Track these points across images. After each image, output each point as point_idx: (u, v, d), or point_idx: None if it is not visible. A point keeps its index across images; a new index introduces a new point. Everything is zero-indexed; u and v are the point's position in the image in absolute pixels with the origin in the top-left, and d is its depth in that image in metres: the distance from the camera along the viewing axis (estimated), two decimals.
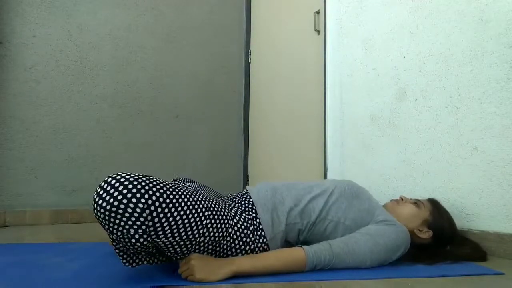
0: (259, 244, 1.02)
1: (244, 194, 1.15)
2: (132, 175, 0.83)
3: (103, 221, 0.79)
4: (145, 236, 0.81)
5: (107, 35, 2.33)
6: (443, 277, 0.98)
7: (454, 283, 0.93)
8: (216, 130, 2.73)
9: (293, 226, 1.07)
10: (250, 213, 1.06)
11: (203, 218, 0.90)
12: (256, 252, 1.01)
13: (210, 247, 0.94)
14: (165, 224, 0.83)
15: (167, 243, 0.86)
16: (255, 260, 0.95)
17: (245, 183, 2.81)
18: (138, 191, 0.80)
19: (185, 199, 0.88)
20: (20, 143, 2.05)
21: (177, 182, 1.38)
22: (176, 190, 0.88)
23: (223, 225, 0.94)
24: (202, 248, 0.92)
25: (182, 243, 0.88)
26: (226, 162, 2.76)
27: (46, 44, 2.14)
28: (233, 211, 1.04)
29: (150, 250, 0.92)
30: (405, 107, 1.59)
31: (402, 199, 1.24)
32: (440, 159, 1.43)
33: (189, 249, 0.91)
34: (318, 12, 2.10)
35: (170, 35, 2.56)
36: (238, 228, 0.99)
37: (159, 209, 0.82)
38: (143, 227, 0.80)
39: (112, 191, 0.79)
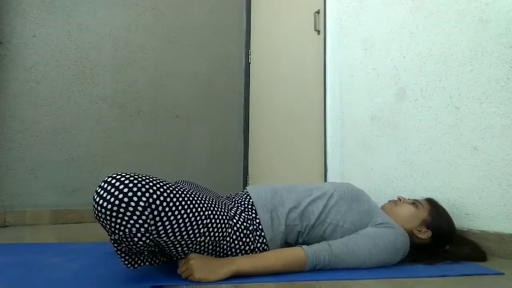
0: (259, 244, 1.02)
1: (244, 194, 1.15)
2: (132, 174, 0.83)
3: (104, 221, 0.79)
4: (147, 234, 0.81)
5: (107, 35, 2.33)
6: (443, 277, 0.98)
7: (454, 283, 0.93)
8: (216, 130, 2.73)
9: (292, 227, 1.07)
10: (250, 213, 1.06)
11: (203, 217, 0.90)
12: (256, 252, 1.01)
13: (210, 247, 0.94)
14: (166, 222, 0.83)
15: (168, 242, 0.86)
16: (255, 260, 0.95)
17: (245, 183, 2.81)
18: (139, 189, 0.80)
19: (186, 198, 0.88)
20: (20, 143, 2.05)
21: (177, 183, 1.38)
22: (177, 189, 0.88)
23: (223, 225, 0.95)
24: (202, 248, 0.93)
25: (183, 242, 0.88)
26: (226, 162, 2.76)
27: (46, 44, 2.14)
28: (232, 211, 1.04)
29: (153, 249, 0.92)
30: (405, 107, 1.59)
31: (400, 200, 1.24)
32: (440, 159, 1.43)
33: (190, 249, 0.91)
34: (318, 12, 2.10)
35: (170, 35, 2.56)
36: (238, 228, 0.99)
37: (160, 208, 0.82)
38: (145, 225, 0.80)
39: (113, 190, 0.79)
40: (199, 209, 0.89)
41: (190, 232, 0.87)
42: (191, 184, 1.42)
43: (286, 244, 1.09)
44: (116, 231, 0.79)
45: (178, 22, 2.60)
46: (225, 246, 0.97)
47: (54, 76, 2.16)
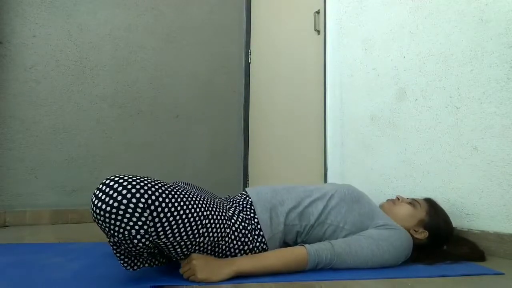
0: (257, 244, 1.02)
1: (243, 195, 1.15)
2: (130, 176, 0.83)
3: (103, 224, 0.79)
4: (146, 236, 0.81)
5: (107, 35, 2.33)
6: (443, 277, 0.98)
7: (454, 283, 0.94)
8: (216, 130, 2.73)
9: (291, 227, 1.07)
10: (248, 212, 1.06)
11: (202, 218, 0.90)
12: (255, 252, 1.01)
13: (209, 247, 0.94)
14: (166, 224, 0.83)
15: (167, 243, 0.86)
16: (256, 260, 0.95)
17: (245, 183, 2.81)
18: (138, 191, 0.80)
19: (184, 199, 0.88)
20: (20, 143, 2.05)
21: (175, 184, 1.38)
22: (175, 190, 0.88)
23: (221, 225, 0.95)
24: (201, 248, 0.93)
25: (182, 243, 0.88)
26: (226, 162, 2.76)
27: (46, 44, 2.14)
28: (230, 211, 1.04)
29: (152, 250, 0.92)
30: (405, 107, 1.59)
31: (399, 199, 1.24)
32: (440, 159, 1.43)
33: (190, 250, 0.91)
34: (318, 12, 2.10)
35: (170, 35, 2.56)
36: (236, 228, 0.99)
37: (159, 209, 0.82)
38: (145, 227, 0.80)
39: (111, 192, 0.78)
40: (197, 210, 0.89)
41: (190, 232, 0.87)
42: (188, 185, 1.42)
43: (285, 244, 1.09)
44: (116, 234, 0.79)
45: (178, 22, 2.60)
46: (223, 247, 0.97)
47: (54, 76, 2.16)
